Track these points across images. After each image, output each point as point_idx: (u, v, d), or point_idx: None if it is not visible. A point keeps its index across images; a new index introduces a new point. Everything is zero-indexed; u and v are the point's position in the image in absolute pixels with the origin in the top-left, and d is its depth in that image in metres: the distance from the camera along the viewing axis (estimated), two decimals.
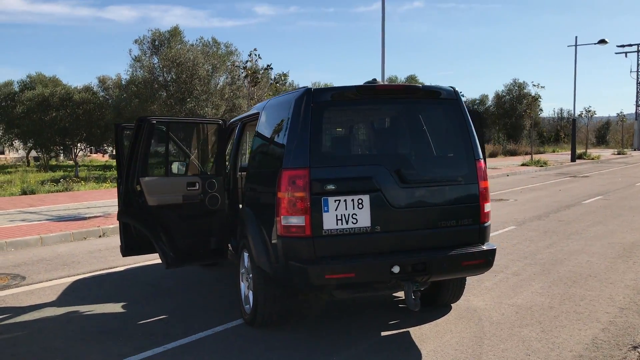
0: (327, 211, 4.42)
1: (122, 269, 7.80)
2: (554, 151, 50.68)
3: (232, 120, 6.59)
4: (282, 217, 4.44)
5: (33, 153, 42.54)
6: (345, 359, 4.46)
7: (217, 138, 6.67)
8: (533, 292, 6.16)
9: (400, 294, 5.97)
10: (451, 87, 5.01)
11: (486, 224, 4.89)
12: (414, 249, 4.64)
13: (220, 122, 6.56)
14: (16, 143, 39.79)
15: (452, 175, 4.88)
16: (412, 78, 56.52)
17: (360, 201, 4.49)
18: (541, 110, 52.59)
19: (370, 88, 4.77)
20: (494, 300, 5.89)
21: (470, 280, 6.45)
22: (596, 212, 12.11)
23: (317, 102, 4.57)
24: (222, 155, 6.41)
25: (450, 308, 5.66)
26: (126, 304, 6.06)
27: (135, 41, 26.76)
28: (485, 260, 4.78)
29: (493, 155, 41.28)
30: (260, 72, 15.72)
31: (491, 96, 57.09)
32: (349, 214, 4.46)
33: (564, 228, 10.19)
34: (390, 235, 4.59)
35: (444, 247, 4.69)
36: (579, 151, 37.85)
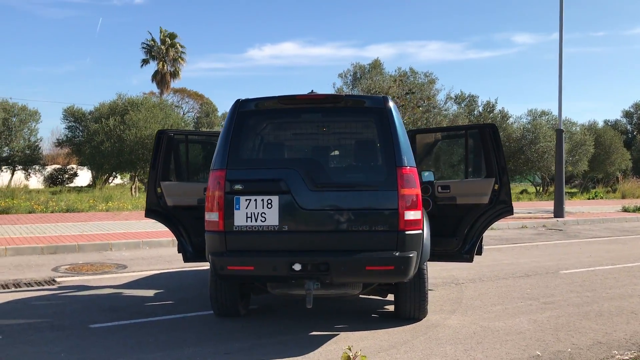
0: (239, 209, 4.95)
1: (205, 267, 9.00)
2: None
3: None
4: (206, 213, 5.09)
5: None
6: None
7: None
8: None
9: (383, 306, 6.06)
10: (382, 96, 5.13)
11: (409, 232, 4.86)
12: (320, 250, 4.87)
13: None
14: None
15: (368, 182, 4.99)
16: None
17: (269, 201, 4.92)
18: None
19: (291, 98, 5.17)
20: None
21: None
22: None
23: (242, 111, 5.15)
24: None
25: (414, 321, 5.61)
26: (171, 289, 7.20)
27: (339, 75, 28.93)
28: (395, 267, 4.77)
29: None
30: (401, 97, 16.02)
31: None
32: (258, 213, 4.92)
33: None
34: (297, 235, 4.91)
35: (353, 250, 4.83)
36: None
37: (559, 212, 17.49)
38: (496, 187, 6.32)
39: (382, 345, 4.88)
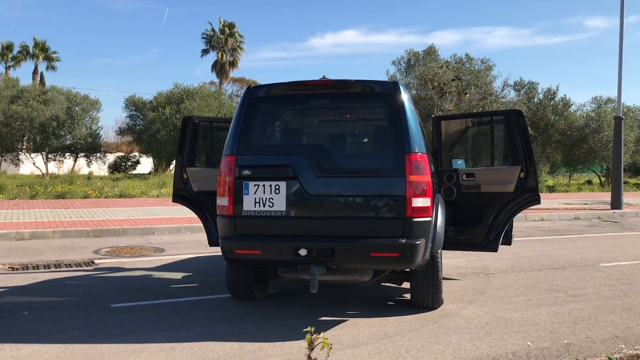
0: (247, 194, 5.00)
1: None
2: None
3: None
4: (217, 197, 5.18)
5: None
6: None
7: None
8: None
9: (399, 294, 6.00)
10: (393, 81, 5.06)
11: (416, 220, 4.79)
12: (326, 235, 4.87)
13: None
14: None
15: (376, 168, 4.94)
16: None
17: (277, 187, 4.95)
18: None
19: (300, 83, 5.16)
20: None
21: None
22: None
23: (253, 98, 5.19)
24: None
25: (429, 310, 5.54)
26: (200, 272, 7.39)
27: (393, 62, 28.58)
28: (400, 255, 4.71)
29: None
30: (447, 84, 15.66)
31: None
32: (266, 198, 4.97)
33: None
34: (304, 220, 4.92)
35: (359, 236, 4.80)
36: None
37: (616, 203, 16.77)
38: (522, 175, 6.14)
39: (387, 332, 4.84)
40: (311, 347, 2.79)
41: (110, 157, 35.10)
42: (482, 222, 6.31)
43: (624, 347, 4.30)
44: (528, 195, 6.13)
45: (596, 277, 7.29)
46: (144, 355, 4.23)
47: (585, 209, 16.79)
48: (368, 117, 5.28)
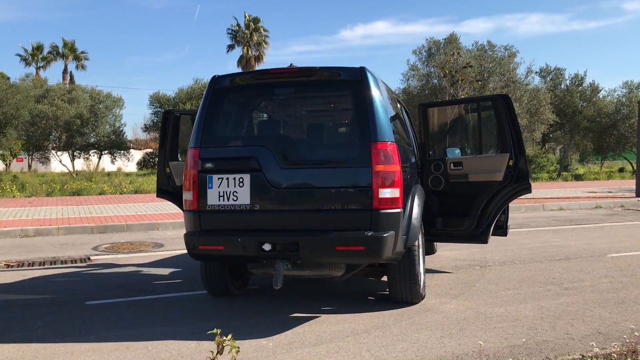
0: (212, 188, 4.85)
1: None
2: None
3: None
4: (183, 192, 5.05)
5: None
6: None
7: None
8: None
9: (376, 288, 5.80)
10: (359, 67, 4.83)
11: (384, 211, 4.58)
12: (291, 229, 4.69)
13: None
14: None
15: (341, 158, 4.73)
16: None
17: (241, 180, 4.78)
18: None
19: (265, 72, 4.97)
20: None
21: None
22: None
23: (217, 88, 5.03)
24: None
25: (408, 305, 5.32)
26: (189, 268, 7.31)
27: (414, 51, 28.06)
28: (366, 248, 4.50)
29: None
30: (458, 71, 15.23)
31: None
32: (230, 192, 4.81)
33: None
34: (269, 214, 4.75)
35: (325, 229, 4.61)
36: None
37: None
38: (511, 162, 5.85)
39: (356, 329, 4.64)
40: (219, 350, 2.61)
41: (139, 154, 35.51)
42: (471, 213, 6.04)
43: (594, 344, 4.01)
44: (518, 184, 5.85)
45: (599, 268, 6.94)
46: (96, 355, 4.12)
47: (608, 198, 16.21)
48: (334, 105, 5.07)
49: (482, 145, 6.39)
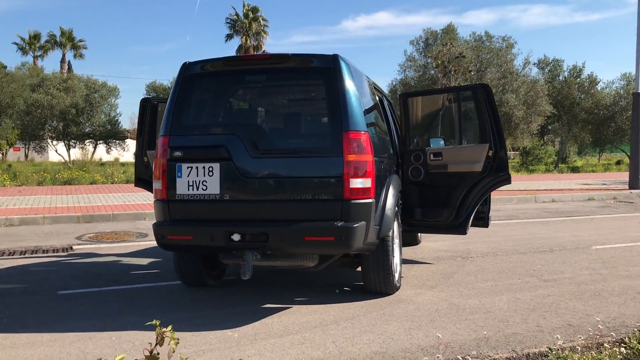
0: (181, 177, 4.78)
1: None
2: None
3: None
4: (154, 181, 4.97)
5: None
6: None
7: None
8: None
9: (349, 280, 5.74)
10: (332, 54, 4.74)
11: (355, 201, 4.50)
12: (260, 220, 4.62)
13: None
14: None
15: (312, 147, 4.65)
16: None
17: (210, 169, 4.71)
18: None
19: (236, 59, 4.89)
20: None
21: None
22: None
23: (187, 75, 4.93)
24: None
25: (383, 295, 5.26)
26: (169, 259, 7.25)
27: (411, 42, 27.94)
28: (336, 239, 4.43)
29: None
30: (451, 62, 15.11)
31: None
32: (200, 181, 4.73)
33: None
34: (238, 204, 4.68)
35: (295, 220, 4.54)
36: None
37: (634, 183, 16.11)
38: (490, 153, 5.78)
39: (325, 320, 4.58)
40: (158, 341, 2.55)
41: (127, 143, 35.37)
42: (450, 204, 5.98)
43: (559, 337, 3.95)
44: (498, 175, 5.78)
45: (581, 260, 6.88)
46: (57, 345, 4.07)
47: (601, 190, 16.15)
48: (306, 94, 4.98)
49: (462, 136, 6.31)
